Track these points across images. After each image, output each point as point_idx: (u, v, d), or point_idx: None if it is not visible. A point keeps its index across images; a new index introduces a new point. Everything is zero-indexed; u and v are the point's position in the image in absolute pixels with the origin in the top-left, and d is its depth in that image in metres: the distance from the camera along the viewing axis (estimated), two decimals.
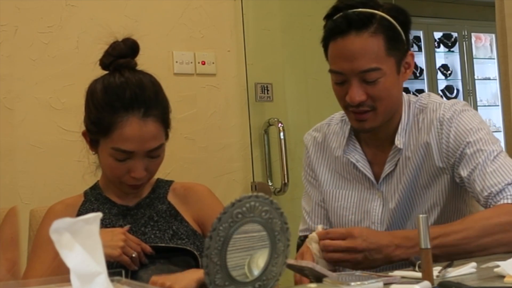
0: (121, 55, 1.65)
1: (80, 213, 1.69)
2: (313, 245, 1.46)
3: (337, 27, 1.57)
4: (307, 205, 1.83)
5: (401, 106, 1.67)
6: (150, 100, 1.59)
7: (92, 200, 1.72)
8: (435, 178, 1.64)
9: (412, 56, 1.65)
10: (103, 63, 1.66)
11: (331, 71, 1.61)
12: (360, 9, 1.56)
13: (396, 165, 1.66)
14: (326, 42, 1.61)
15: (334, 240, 1.42)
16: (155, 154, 1.61)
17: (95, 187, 1.75)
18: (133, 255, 1.53)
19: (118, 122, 1.56)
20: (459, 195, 1.67)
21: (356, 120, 1.62)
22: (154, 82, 1.65)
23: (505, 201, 1.48)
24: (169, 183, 1.78)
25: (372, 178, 1.69)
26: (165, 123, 1.64)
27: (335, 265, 1.46)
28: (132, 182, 1.62)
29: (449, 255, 1.41)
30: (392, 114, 1.64)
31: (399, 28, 1.59)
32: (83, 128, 1.73)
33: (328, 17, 1.61)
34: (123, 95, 1.57)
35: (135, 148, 1.57)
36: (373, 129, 1.64)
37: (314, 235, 1.47)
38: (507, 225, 1.45)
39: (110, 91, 1.59)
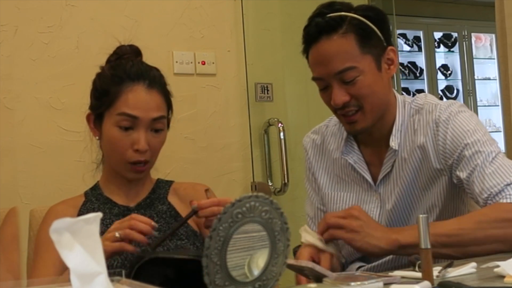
0: (125, 55, 1.72)
1: (81, 213, 1.69)
2: (308, 238, 1.47)
3: (309, 35, 1.62)
4: (311, 211, 1.83)
5: (394, 105, 1.67)
6: (154, 77, 1.67)
7: (93, 200, 1.72)
8: (433, 179, 1.64)
9: (394, 51, 1.65)
10: (109, 61, 1.73)
11: (312, 78, 1.64)
12: (329, 15, 1.59)
13: (392, 166, 1.66)
14: (305, 52, 1.65)
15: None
16: (158, 127, 1.65)
17: (95, 188, 1.75)
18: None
19: (124, 90, 1.63)
20: (457, 195, 1.67)
21: (347, 123, 1.63)
22: (159, 70, 1.72)
23: (504, 200, 1.49)
24: (169, 183, 1.78)
25: (369, 179, 1.69)
26: (168, 104, 1.70)
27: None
28: (135, 158, 1.63)
29: (443, 245, 1.41)
30: (381, 111, 1.64)
31: (371, 25, 1.60)
32: (83, 128, 1.75)
33: (305, 28, 1.65)
34: (130, 69, 1.65)
35: (140, 114, 1.61)
36: (365, 130, 1.64)
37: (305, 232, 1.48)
38: (503, 221, 1.45)
39: (117, 67, 1.67)
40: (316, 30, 1.59)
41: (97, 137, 1.70)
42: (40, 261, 1.60)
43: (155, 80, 1.67)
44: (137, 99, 1.62)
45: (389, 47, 1.64)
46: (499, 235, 1.45)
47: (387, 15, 1.68)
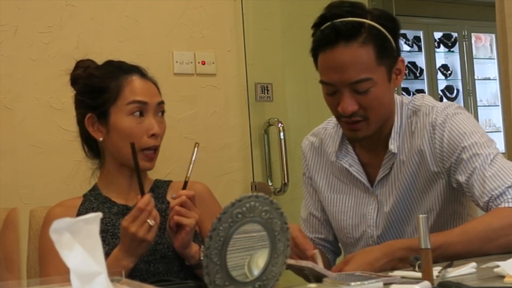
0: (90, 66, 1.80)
1: (79, 212, 1.69)
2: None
3: (325, 38, 1.53)
4: (304, 213, 1.84)
5: (393, 110, 1.65)
6: (142, 70, 1.74)
7: (91, 199, 1.72)
8: (431, 183, 1.63)
9: (403, 61, 1.62)
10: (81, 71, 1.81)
11: (321, 82, 1.59)
12: (348, 19, 1.52)
13: (391, 168, 1.65)
14: (315, 52, 1.58)
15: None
16: (163, 109, 1.71)
17: (93, 189, 1.75)
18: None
19: (124, 81, 1.67)
20: (455, 198, 1.66)
21: (349, 130, 1.61)
22: None
23: (506, 205, 1.47)
24: (167, 182, 1.79)
25: (365, 182, 1.68)
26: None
27: None
28: (151, 144, 1.66)
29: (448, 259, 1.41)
30: (384, 120, 1.62)
31: (388, 35, 1.56)
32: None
33: (315, 26, 1.58)
34: (118, 64, 1.73)
35: (148, 99, 1.67)
36: (366, 138, 1.62)
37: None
38: (508, 228, 1.44)
39: (108, 65, 1.73)
40: (333, 34, 1.51)
41: (100, 139, 1.69)
42: (51, 266, 1.57)
43: (144, 72, 1.73)
44: (141, 86, 1.68)
45: (400, 58, 1.61)
46: (507, 242, 1.44)
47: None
